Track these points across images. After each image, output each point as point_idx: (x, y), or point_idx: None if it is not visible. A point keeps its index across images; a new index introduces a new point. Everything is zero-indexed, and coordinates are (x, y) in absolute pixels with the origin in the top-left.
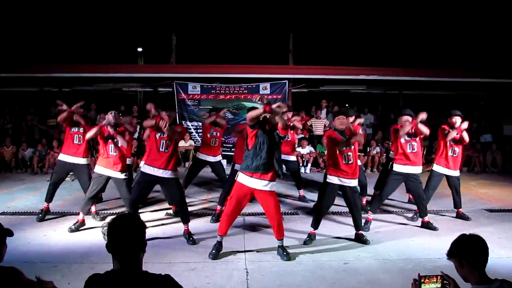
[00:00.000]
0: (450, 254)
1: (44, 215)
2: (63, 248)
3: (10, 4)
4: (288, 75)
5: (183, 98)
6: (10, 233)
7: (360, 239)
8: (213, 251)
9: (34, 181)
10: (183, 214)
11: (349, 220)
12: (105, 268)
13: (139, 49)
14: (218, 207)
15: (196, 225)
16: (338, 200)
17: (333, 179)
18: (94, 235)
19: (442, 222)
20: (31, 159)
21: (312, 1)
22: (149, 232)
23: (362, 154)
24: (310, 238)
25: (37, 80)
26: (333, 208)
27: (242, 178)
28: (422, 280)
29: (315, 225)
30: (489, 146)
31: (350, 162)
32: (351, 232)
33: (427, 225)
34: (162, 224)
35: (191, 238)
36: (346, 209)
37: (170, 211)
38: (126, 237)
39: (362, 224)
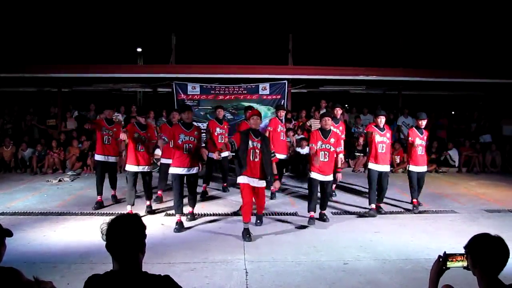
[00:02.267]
0: (466, 247)
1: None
2: (62, 248)
3: (9, 5)
4: (288, 75)
5: (183, 98)
6: (10, 234)
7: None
8: (248, 235)
9: (33, 181)
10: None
11: (348, 221)
12: (105, 269)
13: (139, 49)
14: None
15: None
16: (337, 203)
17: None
18: (94, 235)
19: (442, 221)
20: (30, 159)
21: (311, 1)
22: (149, 233)
23: (362, 154)
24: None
25: (36, 80)
26: (333, 210)
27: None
28: (450, 259)
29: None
30: (489, 147)
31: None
32: (350, 232)
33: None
34: (162, 225)
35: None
36: (345, 209)
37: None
38: (125, 237)
39: None
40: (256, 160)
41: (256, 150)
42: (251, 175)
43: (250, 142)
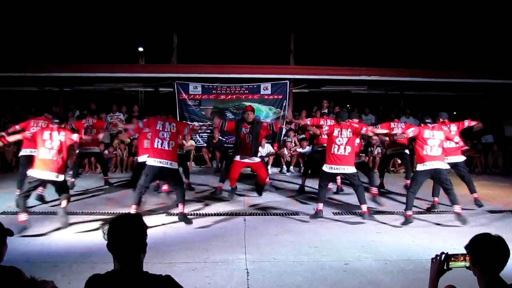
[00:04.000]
0: (467, 247)
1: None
2: (63, 248)
3: (10, 4)
4: (289, 75)
5: (184, 98)
6: (11, 233)
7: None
8: (229, 194)
9: None
10: None
11: (350, 221)
12: (106, 268)
13: (140, 49)
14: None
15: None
16: (339, 203)
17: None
18: (95, 234)
19: (444, 222)
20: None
21: (313, 1)
22: (150, 233)
23: (364, 154)
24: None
25: (38, 79)
26: (334, 209)
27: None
28: (452, 259)
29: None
30: (490, 147)
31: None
32: (352, 232)
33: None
34: (163, 224)
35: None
36: (346, 210)
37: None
38: (126, 237)
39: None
40: (247, 142)
41: (248, 135)
42: (244, 154)
43: (243, 129)
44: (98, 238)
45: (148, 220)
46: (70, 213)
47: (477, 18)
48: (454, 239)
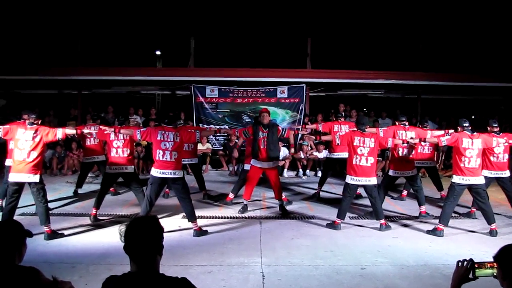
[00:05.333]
0: (496, 257)
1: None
2: (81, 249)
3: (32, 10)
4: (306, 79)
5: (201, 101)
6: (30, 234)
7: None
8: (242, 209)
9: (53, 182)
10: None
11: (366, 225)
12: (122, 270)
13: (158, 52)
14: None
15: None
16: (355, 207)
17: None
18: (112, 236)
19: (461, 227)
20: (50, 160)
21: (330, 5)
22: (166, 235)
23: (381, 159)
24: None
25: (57, 82)
26: (350, 214)
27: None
28: (477, 266)
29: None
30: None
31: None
32: (368, 237)
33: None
34: (179, 227)
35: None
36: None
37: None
38: (143, 239)
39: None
40: (263, 147)
41: (264, 140)
42: (261, 159)
43: (260, 133)
44: (115, 240)
45: (164, 222)
46: (88, 215)
47: (494, 22)
48: (472, 245)
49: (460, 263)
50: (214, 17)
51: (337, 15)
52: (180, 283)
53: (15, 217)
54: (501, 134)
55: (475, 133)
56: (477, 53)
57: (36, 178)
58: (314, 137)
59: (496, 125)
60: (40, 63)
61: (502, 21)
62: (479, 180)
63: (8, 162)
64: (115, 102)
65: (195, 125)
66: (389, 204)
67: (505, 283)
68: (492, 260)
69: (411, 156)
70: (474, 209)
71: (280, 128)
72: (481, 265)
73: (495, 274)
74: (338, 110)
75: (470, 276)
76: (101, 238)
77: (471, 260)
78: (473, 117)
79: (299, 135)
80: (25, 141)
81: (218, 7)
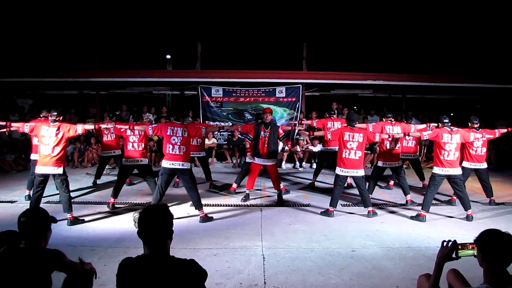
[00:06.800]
0: (476, 241)
1: None
2: (99, 234)
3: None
4: (302, 80)
5: (207, 100)
6: (55, 220)
7: None
8: (244, 197)
9: (74, 173)
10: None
11: (357, 212)
12: (137, 252)
13: (168, 56)
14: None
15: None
16: (346, 196)
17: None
18: (127, 223)
19: (441, 213)
20: (72, 154)
21: (324, 14)
22: (176, 221)
23: (369, 152)
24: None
25: (78, 84)
26: (342, 202)
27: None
28: (460, 247)
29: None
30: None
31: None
32: (358, 223)
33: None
34: (188, 214)
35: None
36: (354, 202)
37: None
38: (155, 225)
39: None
40: (264, 146)
41: (266, 139)
42: (262, 156)
43: (262, 132)
44: (130, 226)
45: (174, 210)
46: (106, 203)
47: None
48: (450, 229)
49: (445, 243)
50: (219, 24)
51: (331, 22)
52: (189, 264)
53: (41, 205)
54: (480, 130)
55: (454, 129)
56: (457, 56)
57: (60, 170)
58: (308, 133)
59: (476, 121)
60: (62, 66)
61: (480, 26)
62: (457, 171)
63: (33, 156)
64: (130, 102)
65: (201, 122)
66: (378, 193)
67: (484, 264)
68: (472, 241)
69: (396, 148)
70: (455, 197)
71: (281, 131)
72: (464, 246)
73: (475, 254)
74: (331, 108)
75: (453, 255)
76: (117, 224)
77: (454, 241)
78: (452, 114)
79: (296, 131)
80: (49, 137)
81: (223, 15)
